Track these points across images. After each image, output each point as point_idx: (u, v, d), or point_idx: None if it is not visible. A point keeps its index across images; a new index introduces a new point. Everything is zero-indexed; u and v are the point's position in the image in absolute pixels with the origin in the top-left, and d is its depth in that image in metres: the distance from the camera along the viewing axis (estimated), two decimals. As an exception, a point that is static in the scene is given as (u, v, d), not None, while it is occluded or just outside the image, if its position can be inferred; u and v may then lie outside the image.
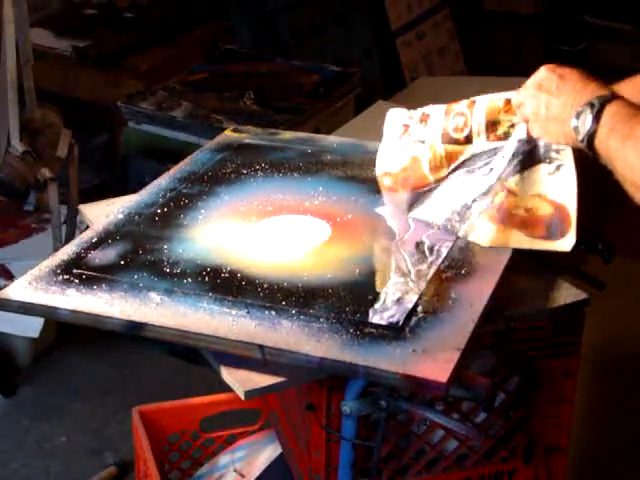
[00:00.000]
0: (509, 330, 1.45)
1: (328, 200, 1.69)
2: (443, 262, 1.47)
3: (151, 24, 3.73)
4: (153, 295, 1.43)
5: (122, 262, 1.52)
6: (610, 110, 1.30)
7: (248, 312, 1.38)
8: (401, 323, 1.34)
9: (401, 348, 1.29)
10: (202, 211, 1.67)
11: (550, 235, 1.47)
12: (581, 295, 1.51)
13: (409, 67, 4.14)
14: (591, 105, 1.31)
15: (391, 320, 1.34)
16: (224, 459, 2.00)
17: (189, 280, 1.46)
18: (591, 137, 1.31)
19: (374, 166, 1.77)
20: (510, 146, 1.46)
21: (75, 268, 1.51)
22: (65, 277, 1.48)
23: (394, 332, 1.32)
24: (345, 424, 1.41)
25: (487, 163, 1.50)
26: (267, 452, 1.92)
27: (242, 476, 1.91)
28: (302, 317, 1.36)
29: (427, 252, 1.50)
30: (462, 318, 1.34)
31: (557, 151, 1.44)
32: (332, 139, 1.97)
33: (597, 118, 1.30)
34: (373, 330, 1.33)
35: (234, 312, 1.38)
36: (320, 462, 1.47)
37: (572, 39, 5.01)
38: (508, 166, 1.48)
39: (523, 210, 1.48)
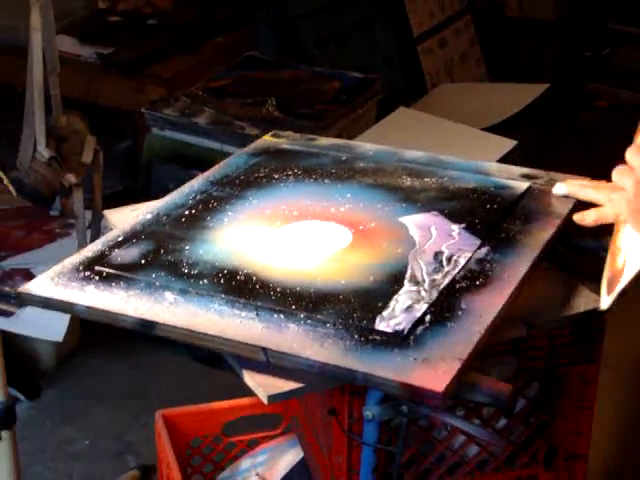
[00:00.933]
0: (529, 336, 1.45)
1: (354, 207, 1.69)
2: (459, 272, 1.46)
3: (174, 31, 3.76)
4: (168, 294, 1.45)
5: (143, 261, 1.54)
6: None
7: (257, 315, 1.39)
8: (406, 331, 1.33)
9: (402, 356, 1.28)
10: (229, 214, 1.69)
11: (607, 281, 1.41)
12: (602, 302, 1.51)
13: (430, 74, 4.15)
14: None
15: (397, 328, 1.34)
16: (246, 463, 2.02)
17: (205, 281, 1.48)
18: None
19: (406, 174, 1.77)
20: None
21: (97, 265, 1.53)
22: (86, 274, 1.51)
23: (398, 340, 1.32)
24: (367, 429, 1.42)
25: None
26: (288, 456, 1.93)
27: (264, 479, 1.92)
28: (309, 322, 1.36)
29: (445, 262, 1.49)
30: (469, 329, 1.33)
31: None
32: (369, 146, 1.96)
33: None
34: (377, 337, 1.33)
35: (244, 314, 1.39)
36: (342, 467, 1.47)
37: (594, 45, 5.01)
38: None
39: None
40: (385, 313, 1.37)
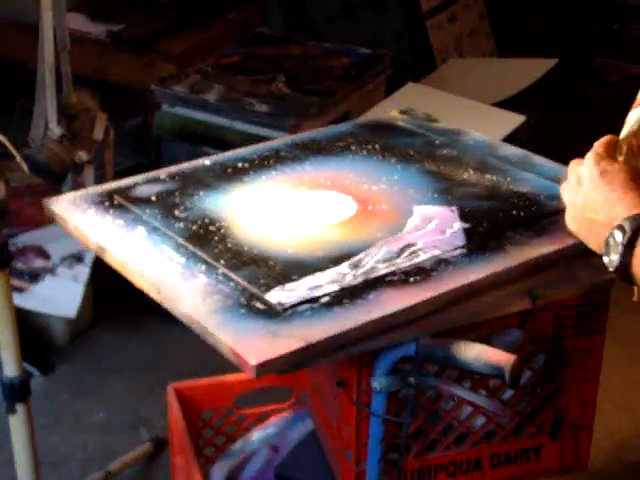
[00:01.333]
0: (535, 309, 1.47)
1: (386, 189, 1.68)
2: (406, 267, 1.44)
3: (184, 8, 3.76)
4: (140, 229, 1.54)
5: (154, 198, 1.63)
6: None
7: (187, 260, 1.45)
8: (286, 307, 1.34)
9: (260, 326, 1.30)
10: (272, 173, 1.73)
11: None
12: (607, 275, 1.52)
13: (440, 49, 4.15)
14: (622, 229, 1.15)
15: (281, 301, 1.35)
16: (257, 435, 2.04)
17: (180, 225, 1.55)
18: (625, 269, 1.16)
19: (473, 168, 1.74)
20: None
21: (117, 195, 1.64)
22: (102, 200, 1.63)
23: (273, 312, 1.33)
24: (375, 400, 1.44)
25: None
26: (299, 428, 1.95)
27: (275, 451, 1.95)
28: (220, 277, 1.41)
29: (404, 254, 1.46)
30: (349, 318, 1.32)
31: None
32: (476, 136, 1.91)
33: (630, 247, 1.14)
34: (258, 304, 1.35)
35: (176, 258, 1.46)
36: (351, 437, 1.50)
37: (604, 19, 4.99)
38: None
39: None
40: (289, 285, 1.38)
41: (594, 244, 1.23)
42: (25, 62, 3.15)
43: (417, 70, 3.92)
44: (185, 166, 1.77)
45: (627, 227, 1.15)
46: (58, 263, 2.96)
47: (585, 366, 1.57)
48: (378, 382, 1.41)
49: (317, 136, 1.89)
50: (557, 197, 1.64)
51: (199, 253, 1.47)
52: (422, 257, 1.46)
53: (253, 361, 1.24)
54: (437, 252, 1.47)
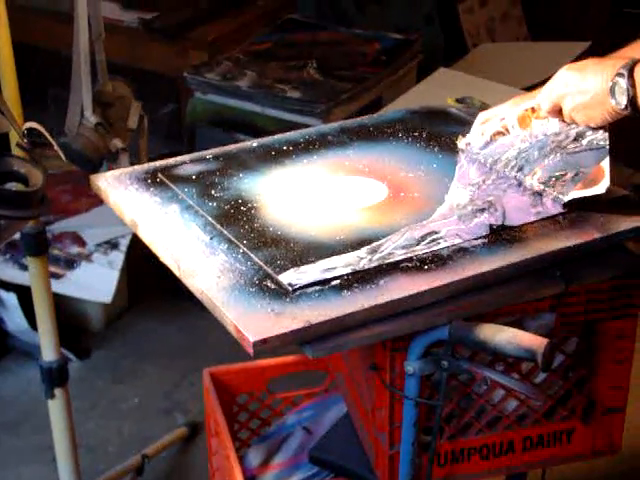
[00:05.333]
0: (567, 293, 1.47)
1: (423, 177, 1.68)
2: (424, 254, 1.44)
3: (215, -5, 3.77)
4: (174, 207, 1.58)
5: (194, 177, 1.68)
6: (638, 70, 1.40)
7: (211, 239, 1.49)
8: (296, 287, 1.36)
9: (266, 305, 1.33)
10: (314, 157, 1.75)
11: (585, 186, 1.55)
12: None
13: (471, 34, 4.13)
14: (620, 75, 1.41)
15: (292, 281, 1.37)
16: (291, 419, 2.06)
17: (213, 204, 1.59)
18: (633, 100, 1.41)
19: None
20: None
21: (162, 173, 1.68)
22: (146, 177, 1.68)
23: (282, 291, 1.36)
24: (408, 383, 1.46)
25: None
26: (333, 412, 1.97)
27: (309, 434, 1.97)
28: (239, 256, 1.44)
29: (425, 241, 1.46)
30: (356, 302, 1.33)
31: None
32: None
33: (631, 82, 1.40)
34: (269, 284, 1.38)
35: (201, 236, 1.50)
36: (384, 420, 1.51)
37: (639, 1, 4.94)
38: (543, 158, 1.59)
39: None
40: (304, 268, 1.40)
41: (606, 114, 1.47)
42: (59, 51, 3.19)
43: (448, 55, 3.91)
44: (232, 147, 1.80)
45: (623, 70, 1.41)
46: (93, 249, 2.99)
47: (617, 350, 1.57)
48: (411, 365, 1.42)
49: (368, 122, 1.90)
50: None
51: (224, 232, 1.51)
52: (442, 245, 1.46)
53: (252, 338, 1.27)
54: (458, 241, 1.47)
